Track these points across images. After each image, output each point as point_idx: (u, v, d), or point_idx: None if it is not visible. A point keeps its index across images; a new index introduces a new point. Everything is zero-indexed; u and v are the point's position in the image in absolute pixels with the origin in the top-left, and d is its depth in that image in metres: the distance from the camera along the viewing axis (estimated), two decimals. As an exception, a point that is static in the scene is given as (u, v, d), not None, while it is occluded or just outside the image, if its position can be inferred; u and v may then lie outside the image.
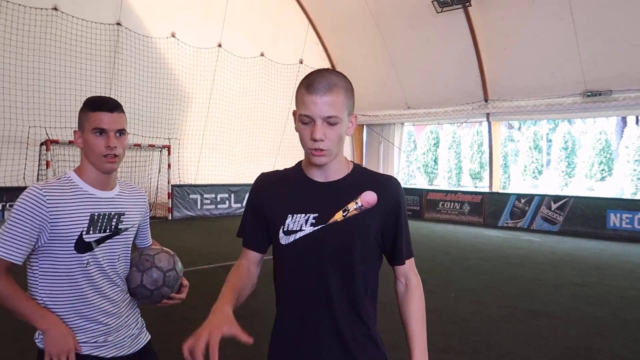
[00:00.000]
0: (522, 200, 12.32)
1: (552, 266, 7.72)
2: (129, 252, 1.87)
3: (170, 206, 12.37)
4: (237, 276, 1.51)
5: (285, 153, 15.09)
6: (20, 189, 10.22)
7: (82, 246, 1.68)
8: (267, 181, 1.55)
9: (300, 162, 1.55)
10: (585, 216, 11.28)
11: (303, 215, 1.44)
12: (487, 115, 13.53)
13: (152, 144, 12.09)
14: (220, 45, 13.31)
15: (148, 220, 2.01)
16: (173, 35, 12.44)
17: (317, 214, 1.43)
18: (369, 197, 1.44)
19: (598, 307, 5.46)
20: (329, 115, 1.35)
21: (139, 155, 12.01)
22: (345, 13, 14.58)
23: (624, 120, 26.25)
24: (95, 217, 1.71)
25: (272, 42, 14.43)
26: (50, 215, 1.63)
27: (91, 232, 1.69)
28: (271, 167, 14.96)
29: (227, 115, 13.62)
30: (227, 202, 13.73)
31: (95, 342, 1.72)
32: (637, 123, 25.18)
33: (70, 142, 10.63)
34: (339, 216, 1.43)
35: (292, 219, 1.44)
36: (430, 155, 28.27)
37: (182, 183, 12.76)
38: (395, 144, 16.12)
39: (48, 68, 10.44)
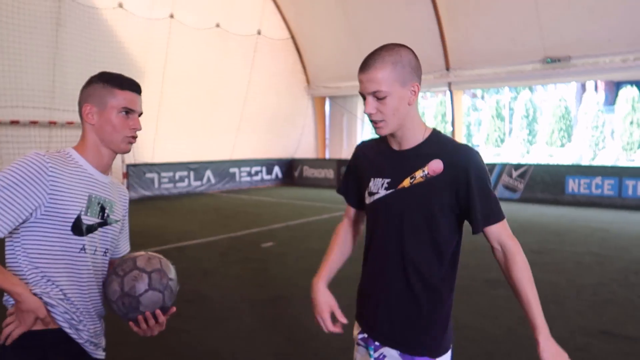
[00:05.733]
0: (484, 169, 12.34)
1: (511, 234, 7.74)
2: (113, 249, 1.68)
3: (125, 186, 11.84)
4: (334, 246, 1.78)
5: (246, 128, 14.70)
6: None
7: (80, 228, 1.49)
8: (363, 148, 1.72)
9: None
10: (545, 183, 11.40)
11: (380, 179, 1.58)
12: (449, 84, 13.41)
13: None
14: (172, 16, 12.65)
15: (127, 222, 1.79)
16: (120, 6, 11.72)
17: (389, 180, 1.56)
18: (434, 166, 1.50)
19: (555, 273, 5.46)
20: (373, 91, 1.44)
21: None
22: (303, -20, 14.08)
23: (583, 86, 26.74)
24: (92, 199, 1.54)
25: (228, 12, 13.78)
26: (50, 186, 1.44)
27: (88, 214, 1.52)
28: (232, 143, 14.57)
29: (183, 90, 13.03)
30: (186, 180, 13.31)
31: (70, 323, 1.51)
32: (595, 90, 25.66)
33: (12, 122, 10.00)
34: (406, 183, 1.53)
35: (373, 182, 1.60)
36: (395, 126, 28.27)
37: (137, 162, 12.24)
38: (358, 116, 15.89)
39: (-18, 43, 9.69)
